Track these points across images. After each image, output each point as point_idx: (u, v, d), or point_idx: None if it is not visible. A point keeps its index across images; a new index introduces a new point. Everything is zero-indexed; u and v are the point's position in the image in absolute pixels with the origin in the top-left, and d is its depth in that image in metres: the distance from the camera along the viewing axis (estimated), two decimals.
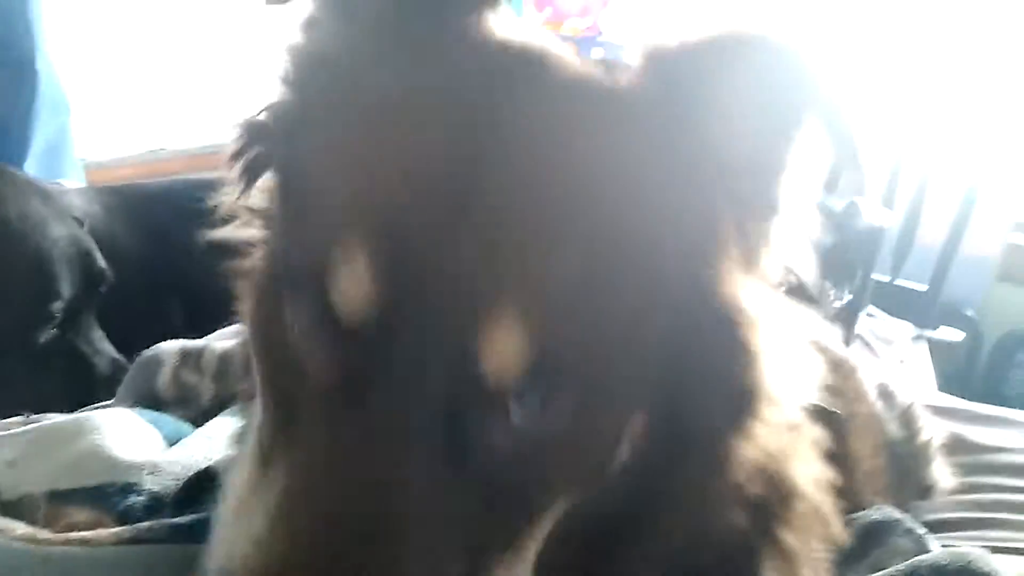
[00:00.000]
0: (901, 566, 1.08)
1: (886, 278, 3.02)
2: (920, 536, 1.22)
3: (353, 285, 0.53)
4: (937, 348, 3.35)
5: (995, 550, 1.39)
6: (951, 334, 3.09)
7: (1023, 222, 4.25)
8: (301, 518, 0.50)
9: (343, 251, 0.53)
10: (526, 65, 0.60)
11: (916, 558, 1.09)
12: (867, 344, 2.71)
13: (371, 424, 0.51)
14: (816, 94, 0.63)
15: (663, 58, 0.63)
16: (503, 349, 0.51)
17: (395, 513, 0.50)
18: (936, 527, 1.48)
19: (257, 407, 0.65)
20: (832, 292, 2.67)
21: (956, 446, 1.62)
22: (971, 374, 4.07)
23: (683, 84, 0.62)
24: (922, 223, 3.05)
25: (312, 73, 0.67)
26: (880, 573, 1.09)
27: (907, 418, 1.50)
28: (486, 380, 0.52)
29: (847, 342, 2.66)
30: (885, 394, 1.54)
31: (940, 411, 1.75)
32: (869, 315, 2.85)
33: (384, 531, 0.49)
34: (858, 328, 2.71)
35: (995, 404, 1.93)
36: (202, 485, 0.92)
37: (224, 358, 1.25)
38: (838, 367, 1.44)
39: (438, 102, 0.57)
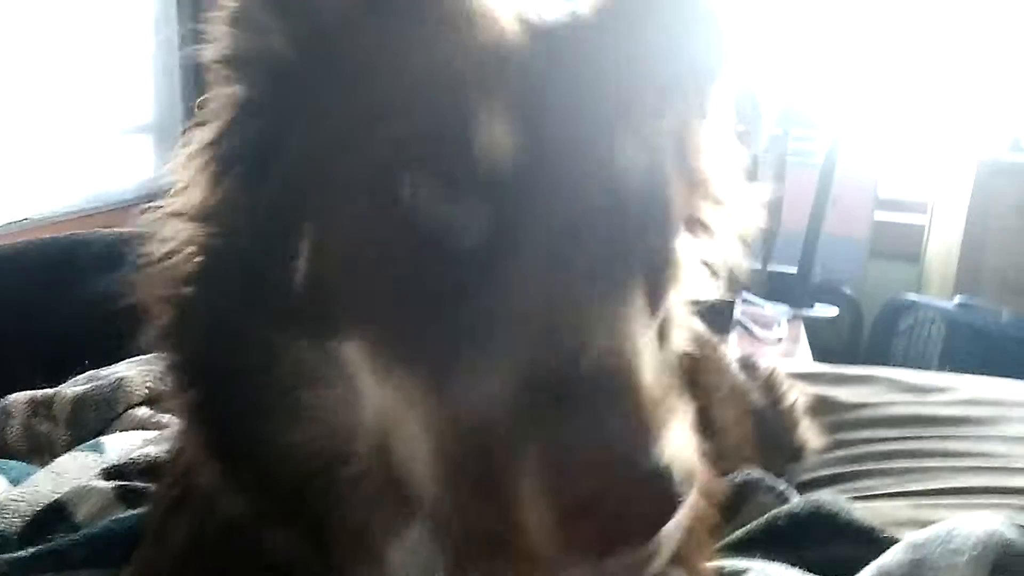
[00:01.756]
0: (761, 519, 1.13)
1: (758, 265, 3.15)
2: (782, 491, 1.27)
3: (504, 131, 0.61)
4: (821, 326, 3.50)
5: (864, 498, 1.47)
6: (825, 311, 3.22)
7: (886, 200, 4.50)
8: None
9: (486, 107, 0.61)
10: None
11: (775, 510, 1.14)
12: (746, 328, 2.82)
13: (558, 251, 0.59)
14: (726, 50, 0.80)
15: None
16: (632, 157, 0.64)
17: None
18: (810, 485, 1.54)
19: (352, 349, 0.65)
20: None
21: (823, 407, 1.70)
22: (856, 347, 4.25)
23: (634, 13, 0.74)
24: (786, 210, 3.19)
25: None
26: (745, 527, 1.14)
27: (769, 386, 1.57)
28: (624, 184, 0.64)
29: (728, 328, 2.76)
30: (747, 366, 1.61)
31: (806, 376, 1.83)
32: (746, 301, 2.96)
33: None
34: (737, 314, 2.81)
35: None
36: (49, 520, 0.90)
37: (78, 403, 1.23)
38: (701, 344, 1.50)
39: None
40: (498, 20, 0.68)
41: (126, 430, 1.20)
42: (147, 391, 1.28)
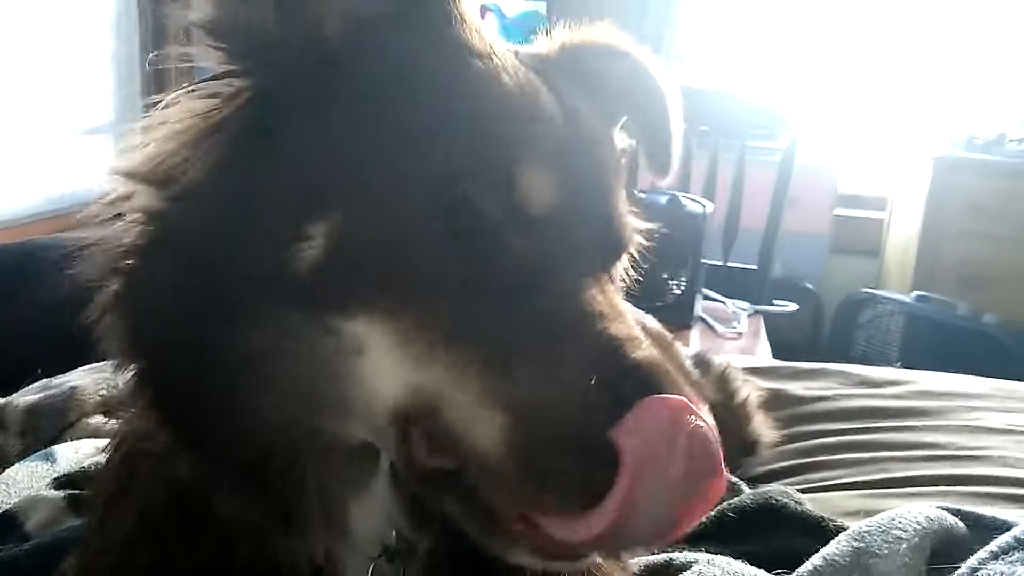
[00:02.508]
0: (711, 512, 1.14)
1: (719, 262, 3.18)
2: (734, 484, 1.30)
3: (543, 183, 0.74)
4: (783, 320, 3.54)
5: (817, 489, 1.50)
6: (785, 306, 3.26)
7: (846, 196, 4.57)
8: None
9: (532, 164, 0.73)
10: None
11: (726, 503, 1.16)
12: (707, 323, 2.85)
13: (584, 274, 0.73)
14: (660, 106, 0.95)
15: (573, 48, 0.91)
16: (620, 204, 0.82)
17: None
18: (764, 478, 1.57)
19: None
20: (669, 280, 2.80)
21: (777, 401, 1.73)
22: (818, 341, 4.31)
23: (585, 66, 0.89)
24: (746, 207, 3.23)
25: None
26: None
27: (723, 381, 1.60)
28: (619, 236, 0.82)
29: (689, 324, 2.80)
30: (701, 362, 1.63)
31: (762, 371, 1.87)
32: (707, 297, 2.99)
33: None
34: (697, 310, 2.84)
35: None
36: (0, 530, 0.90)
37: (30, 412, 1.22)
38: (656, 340, 1.52)
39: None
40: (511, 59, 0.79)
41: (79, 439, 1.19)
42: (101, 399, 1.27)
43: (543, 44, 0.91)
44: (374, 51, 0.74)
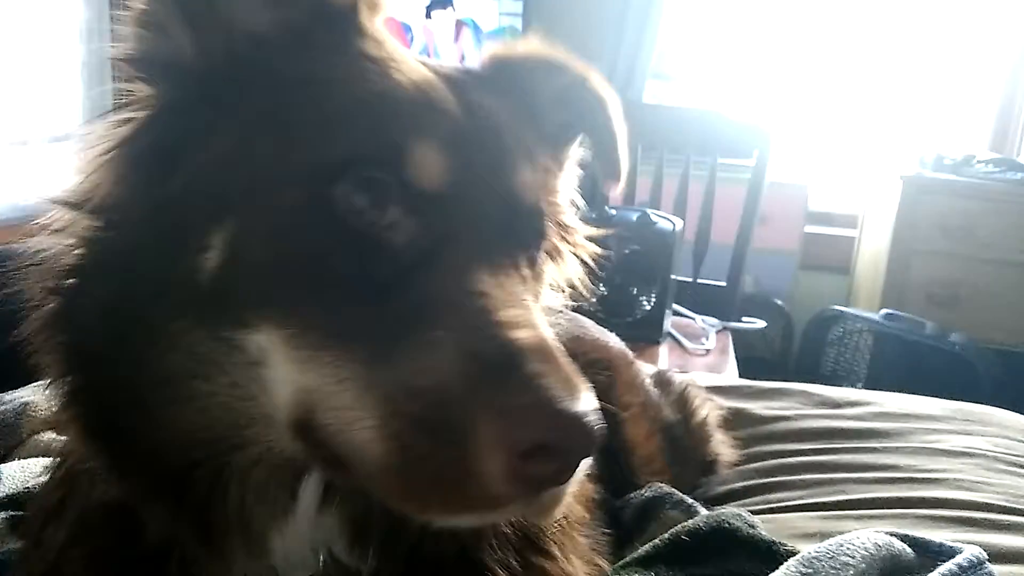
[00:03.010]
0: (665, 534, 1.15)
1: (689, 279, 3.20)
2: (690, 506, 1.30)
3: (435, 160, 0.74)
4: (753, 337, 3.57)
5: (774, 510, 1.50)
6: (753, 323, 3.28)
7: (817, 213, 4.60)
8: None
9: (426, 146, 0.73)
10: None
11: (679, 525, 1.16)
12: (676, 340, 2.86)
13: (477, 252, 0.73)
14: (607, 132, 0.97)
15: (504, 61, 0.93)
16: (528, 183, 0.81)
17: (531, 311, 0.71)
18: (724, 498, 1.57)
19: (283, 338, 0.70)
20: (638, 296, 2.81)
21: (737, 420, 1.73)
22: (787, 357, 4.34)
23: (516, 79, 0.91)
24: (716, 224, 3.25)
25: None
26: (651, 542, 1.16)
27: (682, 401, 1.60)
28: (522, 203, 0.80)
29: (658, 340, 2.81)
30: (661, 381, 1.63)
31: (723, 390, 1.87)
32: (677, 313, 3.00)
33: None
34: (667, 326, 2.85)
35: (813, 382, 2.07)
36: None
37: None
38: (614, 359, 1.52)
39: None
40: (413, 64, 0.80)
41: (30, 456, 1.17)
42: (52, 416, 1.26)
43: (474, 59, 0.95)
44: (271, 66, 0.76)
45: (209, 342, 0.72)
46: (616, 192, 1.02)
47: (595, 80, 0.98)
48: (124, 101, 0.79)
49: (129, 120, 0.77)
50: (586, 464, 0.67)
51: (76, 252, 0.77)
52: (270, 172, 0.73)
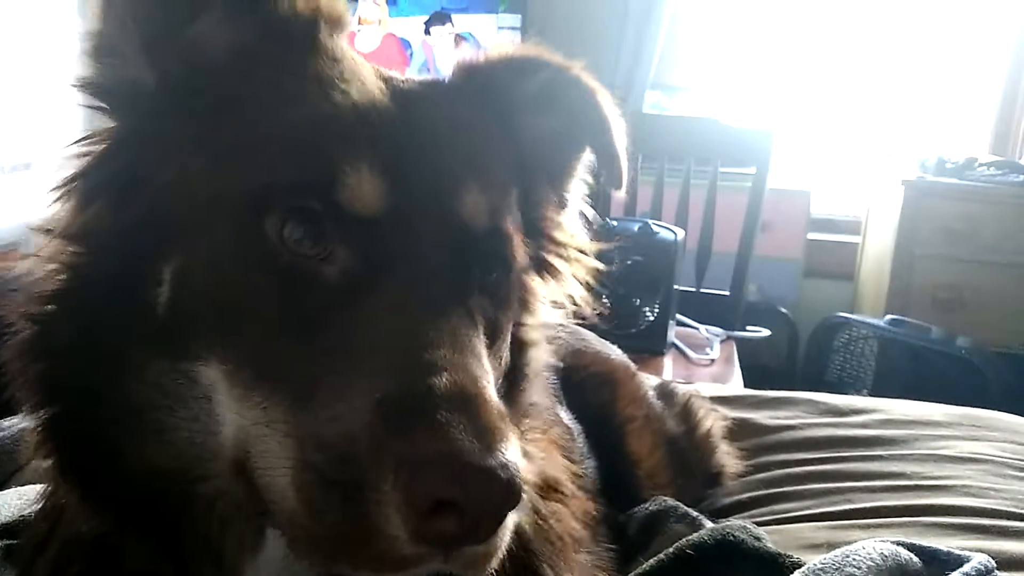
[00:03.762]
0: (670, 549, 1.13)
1: (692, 288, 3.19)
2: (694, 519, 1.29)
3: (370, 183, 0.69)
4: (759, 345, 3.55)
5: (781, 521, 1.49)
6: (758, 332, 3.27)
7: (820, 219, 4.59)
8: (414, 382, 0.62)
9: (359, 173, 0.69)
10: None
11: (684, 539, 1.15)
12: (680, 350, 2.84)
13: (413, 284, 0.68)
14: (599, 124, 0.91)
15: (473, 68, 0.89)
16: (476, 205, 0.76)
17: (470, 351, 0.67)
18: (730, 510, 1.56)
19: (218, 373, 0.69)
20: (641, 307, 2.80)
21: (743, 431, 1.72)
22: (793, 366, 4.32)
23: (488, 86, 0.87)
24: (719, 233, 3.24)
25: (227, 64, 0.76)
26: (656, 557, 1.15)
27: (686, 413, 1.59)
28: (469, 227, 0.75)
29: (662, 351, 2.79)
30: (665, 393, 1.62)
31: (728, 400, 1.86)
32: (680, 324, 2.99)
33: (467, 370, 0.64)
34: (670, 336, 2.84)
35: (819, 390, 2.06)
36: None
37: None
38: (616, 371, 1.52)
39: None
40: (365, 82, 0.77)
41: (28, 484, 1.16)
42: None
43: (448, 69, 0.92)
44: (216, 91, 0.75)
45: (171, 374, 0.72)
46: (620, 194, 0.93)
47: (579, 71, 0.93)
48: (88, 129, 0.79)
49: (94, 147, 0.77)
50: (509, 520, 0.62)
51: (58, 278, 0.77)
52: (204, 202, 0.72)
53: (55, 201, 0.77)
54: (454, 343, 0.66)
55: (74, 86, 0.78)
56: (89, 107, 0.78)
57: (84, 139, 0.78)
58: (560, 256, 0.94)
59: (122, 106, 0.77)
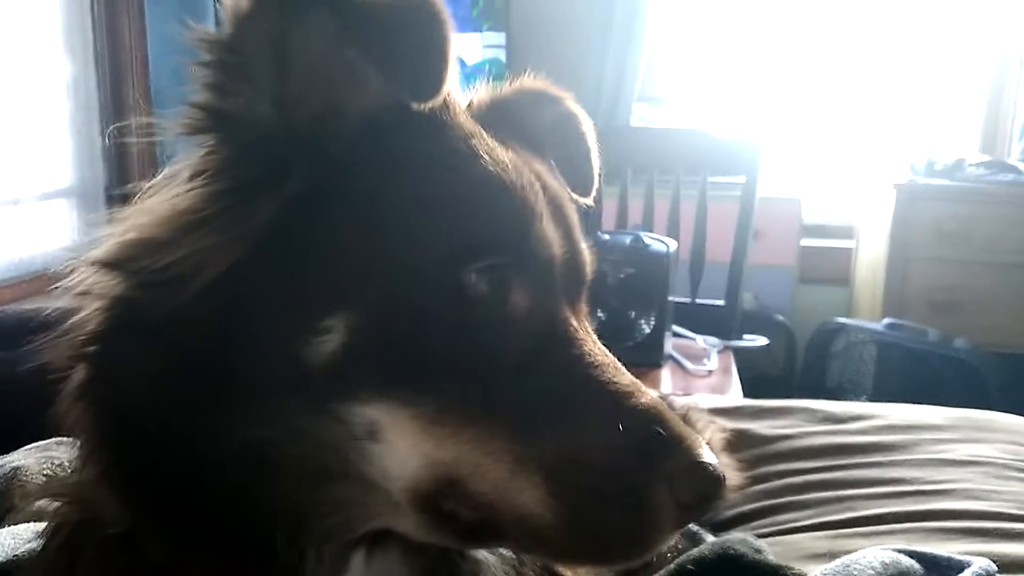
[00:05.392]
0: (672, 565, 1.13)
1: (687, 299, 3.19)
2: (695, 533, 1.28)
3: (553, 235, 0.80)
4: (757, 354, 3.55)
5: (783, 532, 1.48)
6: (754, 340, 3.27)
7: (812, 226, 4.60)
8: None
9: (543, 222, 0.79)
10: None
11: (684, 555, 1.14)
12: (678, 361, 2.84)
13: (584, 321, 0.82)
14: (587, 152, 1.01)
15: (499, 98, 0.96)
16: (587, 249, 0.87)
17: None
18: (732, 522, 1.55)
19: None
20: (637, 320, 2.80)
21: (741, 441, 1.71)
22: (792, 373, 4.32)
23: (511, 114, 0.93)
24: (711, 243, 3.24)
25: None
26: (658, 574, 1.14)
27: None
28: (587, 271, 0.87)
29: (659, 363, 2.79)
30: None
31: (726, 411, 1.85)
32: (677, 335, 2.99)
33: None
34: (667, 348, 2.83)
35: (819, 397, 2.06)
36: None
37: None
38: None
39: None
40: (484, 134, 0.83)
41: (20, 523, 1.15)
42: (46, 481, 1.24)
43: (472, 98, 0.95)
44: (381, 145, 0.75)
45: (312, 416, 0.73)
46: (588, 201, 1.03)
47: (578, 110, 1.02)
48: (195, 163, 0.74)
49: (200, 184, 0.73)
50: None
51: (109, 315, 0.74)
52: (391, 260, 0.73)
53: (121, 232, 0.74)
54: (617, 366, 0.78)
55: (193, 107, 0.73)
56: (190, 134, 0.74)
57: (181, 172, 0.75)
58: None
59: (249, 147, 0.73)
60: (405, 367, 0.72)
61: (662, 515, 0.72)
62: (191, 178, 0.74)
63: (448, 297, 0.73)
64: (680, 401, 1.68)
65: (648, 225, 3.24)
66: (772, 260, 4.24)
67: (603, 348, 0.80)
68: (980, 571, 0.98)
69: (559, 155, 0.99)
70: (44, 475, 1.27)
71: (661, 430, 0.73)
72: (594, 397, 0.74)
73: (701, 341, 3.03)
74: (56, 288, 0.77)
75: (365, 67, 0.73)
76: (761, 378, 3.85)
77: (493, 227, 0.77)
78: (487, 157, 0.79)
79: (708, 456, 0.73)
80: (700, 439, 0.75)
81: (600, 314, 2.78)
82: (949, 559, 1.01)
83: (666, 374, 2.78)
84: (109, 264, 0.74)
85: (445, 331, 0.73)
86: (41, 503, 1.24)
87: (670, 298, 2.81)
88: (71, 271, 0.77)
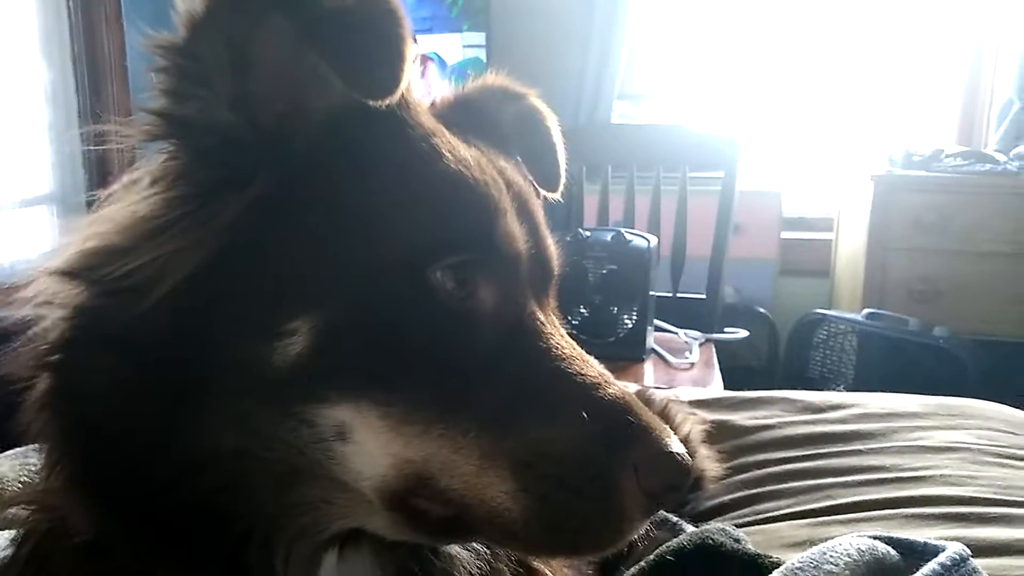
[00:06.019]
0: (651, 556, 1.13)
1: (668, 294, 3.20)
2: (675, 524, 1.29)
3: (518, 231, 0.81)
4: (739, 346, 3.57)
5: (763, 521, 1.49)
6: (736, 333, 3.28)
7: (791, 218, 4.62)
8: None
9: (507, 218, 0.79)
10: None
11: (664, 546, 1.15)
12: (660, 355, 2.85)
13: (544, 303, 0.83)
14: (551, 148, 1.03)
15: (463, 97, 0.98)
16: (553, 245, 0.88)
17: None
18: (712, 513, 1.56)
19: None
20: (619, 315, 2.81)
21: (721, 433, 1.73)
22: (775, 365, 4.34)
23: (475, 112, 0.95)
24: (692, 237, 3.26)
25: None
26: (638, 564, 1.15)
27: (664, 418, 1.58)
28: (554, 265, 0.88)
29: (642, 357, 2.80)
30: (642, 399, 1.62)
31: (706, 403, 1.87)
32: (659, 329, 3.00)
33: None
34: (649, 342, 2.85)
35: (800, 387, 2.07)
36: None
37: None
38: None
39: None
40: (446, 130, 0.83)
41: None
42: (22, 488, 1.23)
43: (435, 97, 0.97)
44: (343, 145, 0.75)
45: (275, 418, 0.72)
46: (556, 196, 1.05)
47: (543, 107, 1.02)
48: (155, 169, 0.74)
49: (160, 190, 0.73)
50: None
51: (71, 324, 0.74)
52: (357, 261, 0.73)
53: (82, 240, 0.74)
54: (584, 356, 0.79)
55: (155, 114, 0.72)
56: (149, 141, 0.73)
57: (141, 179, 0.75)
58: None
59: (209, 151, 0.72)
60: (372, 367, 0.72)
61: (629, 504, 0.72)
62: (151, 184, 0.74)
63: (414, 296, 0.73)
64: (661, 394, 1.68)
65: (629, 221, 3.25)
66: (753, 253, 4.25)
67: (571, 341, 0.80)
68: (954, 555, 0.99)
69: (524, 151, 1.00)
70: (21, 482, 1.26)
71: (628, 420, 0.73)
72: (561, 390, 0.74)
73: (683, 335, 3.04)
74: (18, 298, 0.77)
75: (326, 67, 0.72)
76: (743, 370, 3.87)
77: (457, 225, 0.77)
78: (449, 155, 0.79)
79: (675, 445, 0.74)
80: (667, 428, 0.75)
81: (582, 310, 2.79)
82: (924, 544, 1.02)
83: (649, 368, 2.79)
84: (69, 273, 0.74)
85: (412, 330, 0.73)
86: (13, 511, 1.24)
87: (652, 293, 2.83)
88: (31, 281, 0.76)
